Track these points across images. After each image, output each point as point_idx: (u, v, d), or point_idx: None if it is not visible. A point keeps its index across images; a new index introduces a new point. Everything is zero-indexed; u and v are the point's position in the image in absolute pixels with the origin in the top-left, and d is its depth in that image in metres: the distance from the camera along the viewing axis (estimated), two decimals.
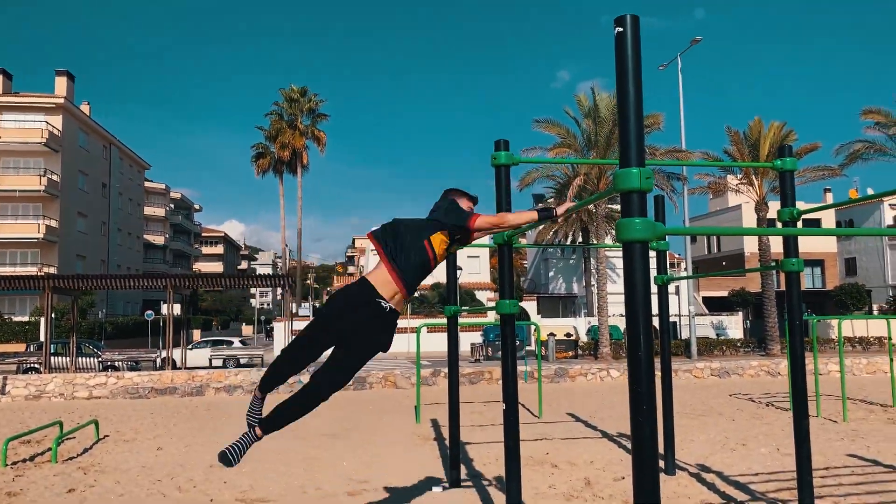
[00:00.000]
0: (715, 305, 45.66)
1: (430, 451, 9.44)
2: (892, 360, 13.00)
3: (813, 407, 12.46)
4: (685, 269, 31.42)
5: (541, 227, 40.77)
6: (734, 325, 40.57)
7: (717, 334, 35.75)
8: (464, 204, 4.36)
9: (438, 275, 47.49)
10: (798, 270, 5.76)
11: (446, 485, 7.39)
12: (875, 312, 41.70)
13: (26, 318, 40.72)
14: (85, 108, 52.12)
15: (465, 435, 10.29)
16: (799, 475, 5.72)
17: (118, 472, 8.24)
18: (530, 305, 44.12)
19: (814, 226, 47.84)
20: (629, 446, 9.52)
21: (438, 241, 4.10)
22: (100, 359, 24.57)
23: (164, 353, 23.61)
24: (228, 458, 3.94)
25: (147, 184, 67.54)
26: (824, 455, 8.65)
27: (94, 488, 7.45)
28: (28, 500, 7.00)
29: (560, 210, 4.37)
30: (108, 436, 10.93)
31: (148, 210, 67.49)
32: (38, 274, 32.01)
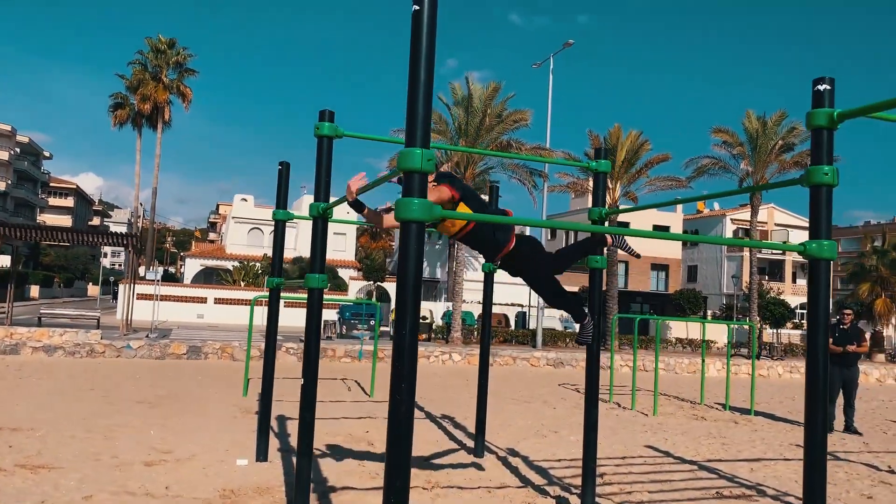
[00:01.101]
0: None
1: (249, 424, 9.21)
2: (703, 360, 14.03)
3: (629, 400, 13.25)
4: None
5: None
6: None
7: (565, 327, 37.34)
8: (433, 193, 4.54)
9: (301, 248, 46.66)
10: (601, 267, 6.03)
11: (245, 459, 7.23)
12: (709, 317, 44.99)
13: None
14: None
15: (292, 410, 10.14)
16: (584, 462, 6.03)
17: None
18: (392, 287, 44.26)
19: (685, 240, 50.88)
20: (448, 428, 9.74)
21: None
22: None
23: None
24: None
25: None
26: (625, 445, 9.19)
27: None
28: None
29: (351, 184, 4.49)
30: None
31: None
32: None
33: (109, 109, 41.60)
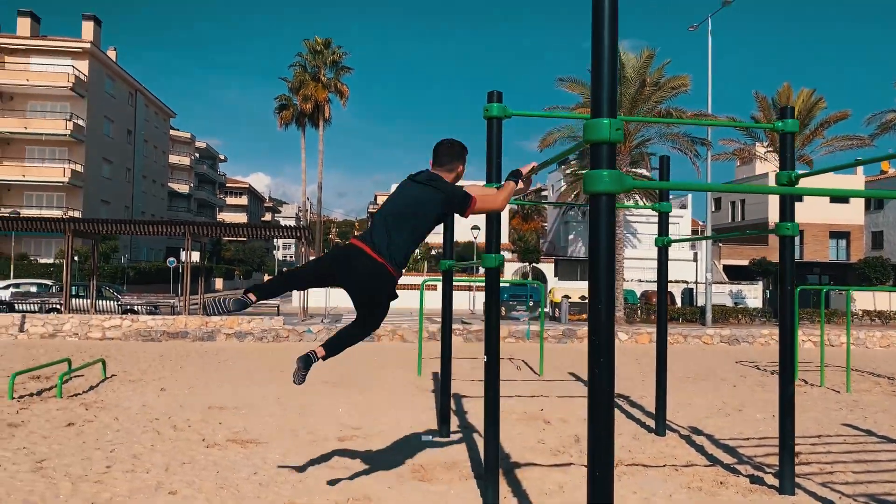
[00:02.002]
0: (737, 274, 45.22)
1: (427, 402, 9.54)
2: None
3: (818, 377, 12.40)
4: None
5: (563, 188, 40.45)
6: (753, 295, 40.21)
7: (736, 303, 35.49)
8: (451, 175, 4.31)
9: (460, 235, 47.43)
10: (792, 235, 5.68)
11: (434, 435, 7.48)
12: None
13: (51, 261, 41.51)
14: (111, 53, 52.22)
15: (465, 388, 10.39)
16: (781, 440, 5.72)
17: (118, 410, 8.44)
18: (548, 268, 44.03)
19: (843, 199, 46.96)
20: (624, 406, 9.57)
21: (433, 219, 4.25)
22: (119, 302, 25.06)
23: (179, 300, 24.04)
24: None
25: (172, 132, 67.86)
26: (819, 423, 8.61)
27: (93, 423, 7.64)
28: (27, 431, 7.21)
29: (524, 170, 4.37)
30: (114, 375, 11.18)
31: (173, 158, 67.93)
32: (61, 217, 32.45)
33: (275, 111, 44.29)
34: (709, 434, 7.93)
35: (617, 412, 9.23)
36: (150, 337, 16.27)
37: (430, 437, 7.41)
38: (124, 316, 17.76)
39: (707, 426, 8.35)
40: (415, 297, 13.63)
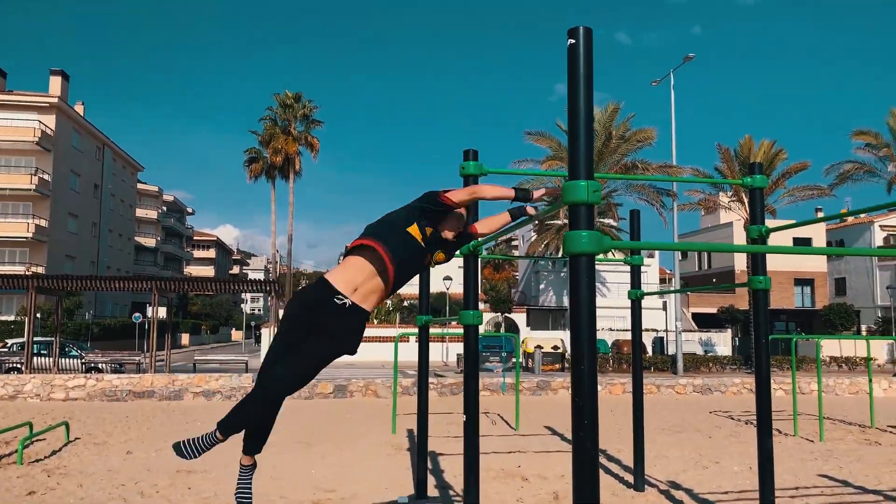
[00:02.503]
0: (705, 322, 45.69)
1: (403, 461, 9.36)
2: (870, 380, 12.98)
3: (791, 426, 12.45)
4: (674, 286, 31.44)
5: (532, 238, 40.77)
6: (723, 342, 40.59)
7: (706, 351, 35.76)
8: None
9: (434, 285, 47.42)
10: (765, 288, 5.72)
11: (408, 496, 7.32)
12: (863, 333, 41.77)
13: (12, 318, 40.50)
14: (79, 108, 52.03)
15: (440, 446, 10.22)
16: (761, 495, 5.68)
17: (83, 476, 8.14)
18: (520, 317, 44.10)
19: (806, 245, 47.97)
20: (602, 461, 9.48)
21: (415, 231, 3.73)
22: (83, 360, 24.43)
23: (145, 357, 23.52)
24: (182, 449, 3.71)
25: (140, 185, 67.39)
26: (795, 475, 8.60)
27: (55, 491, 7.35)
28: None
29: (537, 194, 4.13)
30: (78, 438, 10.81)
31: (140, 212, 67.28)
32: (24, 273, 31.79)
33: (245, 164, 44.33)
34: (687, 488, 7.87)
35: None
36: (115, 397, 15.83)
37: (406, 498, 7.25)
38: (88, 375, 17.28)
39: (685, 480, 8.29)
40: (387, 350, 13.48)
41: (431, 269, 4.86)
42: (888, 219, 49.49)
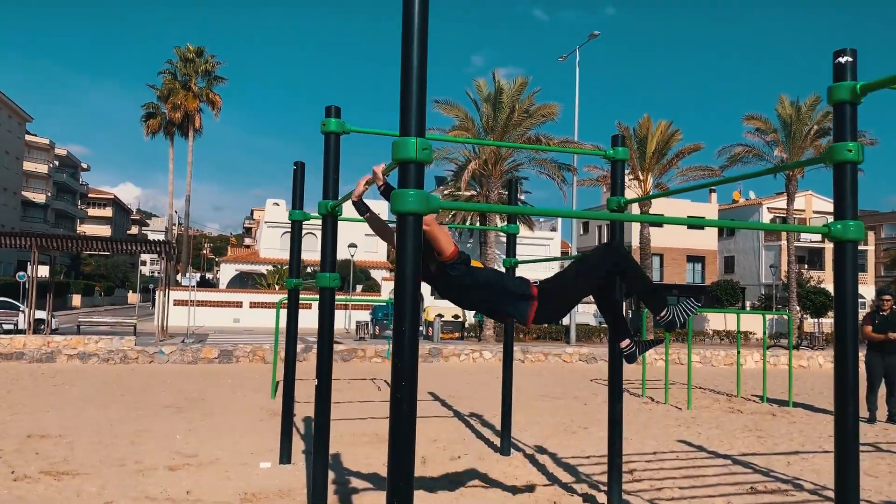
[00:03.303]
0: None
1: (275, 427, 9.11)
2: (738, 352, 13.69)
3: (662, 394, 12.98)
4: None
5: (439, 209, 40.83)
6: None
7: (599, 322, 36.94)
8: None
9: (341, 252, 46.83)
10: None
11: (269, 462, 7.19)
12: (748, 308, 44.12)
13: None
14: None
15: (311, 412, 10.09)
16: (610, 458, 5.87)
17: None
18: (425, 287, 44.22)
19: (699, 226, 50.08)
20: (476, 426, 9.61)
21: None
22: None
23: (23, 318, 22.28)
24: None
25: (28, 137, 63.42)
26: (657, 440, 8.96)
27: None
28: None
29: (378, 169, 4.09)
30: None
31: (28, 166, 63.44)
32: None
33: (142, 119, 42.34)
34: (552, 453, 8.05)
35: (466, 431, 9.25)
36: None
37: (269, 464, 7.11)
38: None
39: (552, 445, 8.49)
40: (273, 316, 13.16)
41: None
42: (775, 201, 52.25)
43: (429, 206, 2.84)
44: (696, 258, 50.86)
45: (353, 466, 7.06)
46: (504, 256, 8.20)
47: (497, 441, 8.51)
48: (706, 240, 50.93)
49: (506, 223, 8.32)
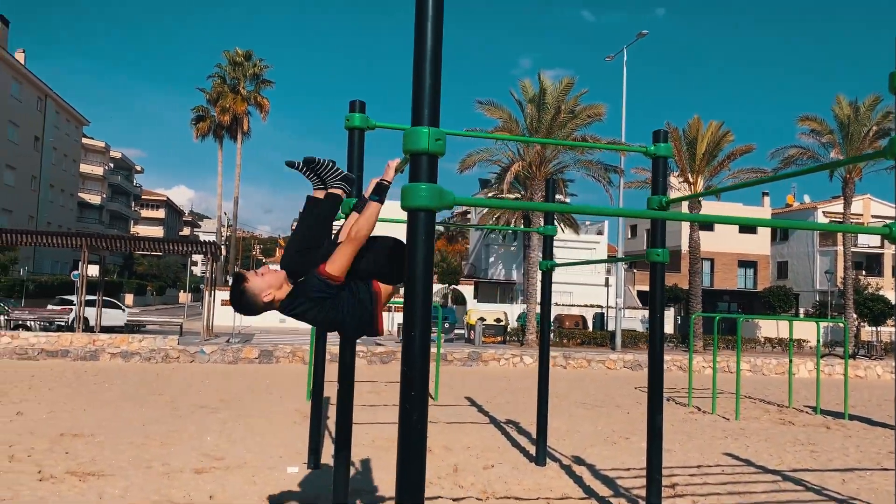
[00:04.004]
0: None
1: (307, 430, 9.05)
2: (790, 360, 13.09)
3: (709, 403, 12.49)
4: (618, 265, 31.62)
5: (484, 211, 40.56)
6: (666, 321, 41.09)
7: (647, 328, 36.17)
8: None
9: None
10: (662, 262, 5.52)
11: (297, 466, 7.04)
12: (801, 316, 42.74)
13: None
14: (20, 55, 49.80)
15: (355, 414, 9.92)
16: (648, 473, 5.54)
17: None
18: (468, 290, 43.99)
19: (751, 230, 48.76)
20: (512, 433, 9.33)
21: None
22: (7, 317, 23.51)
23: (72, 315, 22.73)
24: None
25: (85, 140, 65.12)
26: (701, 452, 8.56)
27: None
28: None
29: (389, 173, 3.80)
30: None
31: (85, 168, 65.12)
32: None
33: (192, 122, 43.03)
34: (590, 464, 7.73)
35: (502, 439, 8.97)
36: (26, 355, 15.18)
37: (297, 468, 6.96)
38: (3, 332, 16.56)
39: (590, 455, 8.17)
40: None
41: None
42: (831, 205, 50.55)
43: (442, 200, 2.61)
44: (747, 263, 49.48)
45: (383, 473, 6.88)
46: (569, 259, 7.87)
47: (533, 450, 8.22)
48: (758, 244, 49.52)
49: (548, 224, 8.02)
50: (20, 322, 23.24)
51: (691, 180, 30.19)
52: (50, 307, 26.43)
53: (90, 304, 25.39)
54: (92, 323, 23.47)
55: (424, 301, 2.59)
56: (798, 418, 11.82)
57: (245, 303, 3.24)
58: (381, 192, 3.44)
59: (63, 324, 24.50)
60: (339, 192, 3.46)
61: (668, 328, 39.61)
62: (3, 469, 6.39)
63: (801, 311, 45.11)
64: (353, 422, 9.30)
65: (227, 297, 3.58)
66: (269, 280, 3.24)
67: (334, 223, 3.71)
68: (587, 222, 46.21)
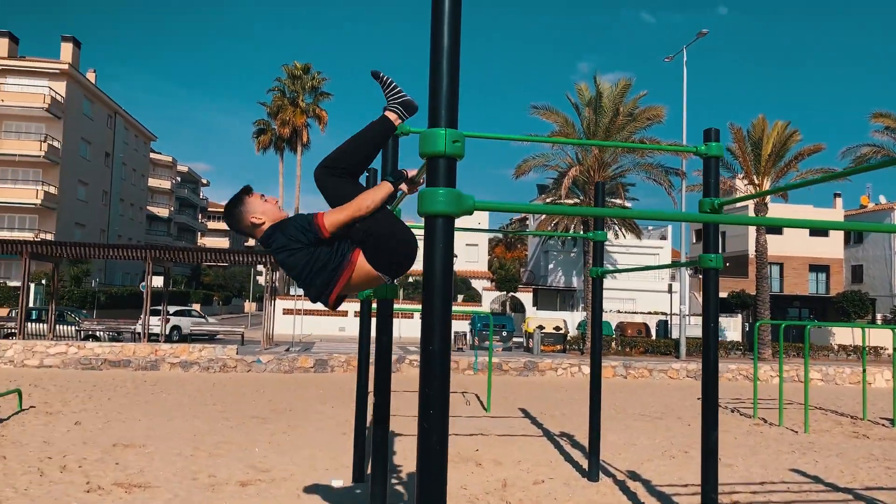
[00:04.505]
0: (720, 307, 44.82)
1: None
2: (864, 369, 12.37)
3: (776, 415, 11.91)
4: (682, 270, 30.74)
5: (542, 217, 40.09)
6: (733, 327, 39.70)
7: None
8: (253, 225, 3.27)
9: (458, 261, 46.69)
10: (716, 267, 5.20)
11: (342, 479, 6.92)
12: (878, 322, 40.80)
13: (19, 283, 40.68)
14: (91, 75, 51.84)
15: (402, 426, 9.83)
16: (703, 492, 5.20)
17: (14, 447, 7.82)
18: (527, 297, 43.55)
19: (822, 233, 46.89)
20: (565, 447, 9.03)
21: None
22: (79, 327, 24.31)
23: (139, 325, 23.35)
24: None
25: (153, 155, 67.32)
26: (766, 468, 8.10)
27: None
28: None
29: (411, 172, 3.66)
30: (33, 407, 10.54)
31: (153, 182, 67.30)
32: (19, 239, 31.75)
33: (253, 136, 43.93)
34: (646, 479, 7.40)
35: (555, 452, 8.69)
36: (90, 365, 15.60)
37: (342, 482, 6.84)
38: (70, 342, 17.08)
39: (646, 470, 7.82)
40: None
41: None
42: None
43: (461, 206, 2.42)
44: (819, 267, 47.58)
45: None
46: (609, 266, 7.57)
47: (586, 464, 7.92)
48: (831, 247, 47.57)
49: (598, 230, 7.74)
50: (90, 332, 24.01)
51: (756, 182, 29.16)
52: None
53: (180, 313, 27.45)
54: (185, 332, 24.79)
55: (443, 313, 2.40)
56: (873, 431, 11.14)
57: (235, 214, 3.25)
58: (398, 177, 3.37)
59: (130, 335, 25.21)
60: (393, 115, 3.28)
61: (736, 336, 38.25)
62: (55, 480, 6.47)
63: (878, 317, 43.04)
64: (393, 433, 9.20)
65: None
66: (266, 208, 3.22)
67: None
68: (650, 227, 45.18)
